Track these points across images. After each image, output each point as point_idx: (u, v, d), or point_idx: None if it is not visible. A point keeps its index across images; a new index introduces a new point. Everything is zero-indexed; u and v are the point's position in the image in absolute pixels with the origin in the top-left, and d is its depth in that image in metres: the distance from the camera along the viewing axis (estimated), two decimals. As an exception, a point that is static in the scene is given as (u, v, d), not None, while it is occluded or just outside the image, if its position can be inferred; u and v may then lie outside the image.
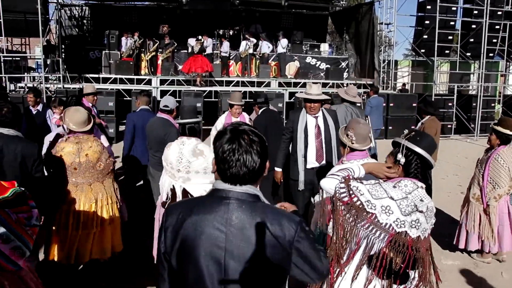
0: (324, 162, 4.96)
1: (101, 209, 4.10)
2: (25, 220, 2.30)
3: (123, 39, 15.26)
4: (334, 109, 5.69)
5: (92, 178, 4.04)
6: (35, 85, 14.19)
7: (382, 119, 11.47)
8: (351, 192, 2.32)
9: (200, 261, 1.63)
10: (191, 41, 15.01)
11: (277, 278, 1.68)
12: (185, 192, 3.86)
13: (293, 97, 13.59)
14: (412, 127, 13.42)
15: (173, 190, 3.91)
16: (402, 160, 2.43)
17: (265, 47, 16.41)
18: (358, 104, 6.55)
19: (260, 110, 6.44)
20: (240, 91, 9.53)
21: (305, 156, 4.96)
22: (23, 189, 2.42)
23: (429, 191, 2.45)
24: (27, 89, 13.67)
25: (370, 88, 12.10)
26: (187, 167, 3.83)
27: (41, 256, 4.31)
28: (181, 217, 1.69)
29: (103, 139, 5.27)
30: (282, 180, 5.27)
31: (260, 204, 1.68)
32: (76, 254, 4.03)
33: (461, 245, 5.21)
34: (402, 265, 2.26)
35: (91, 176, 4.04)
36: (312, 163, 4.96)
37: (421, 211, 2.30)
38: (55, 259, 4.03)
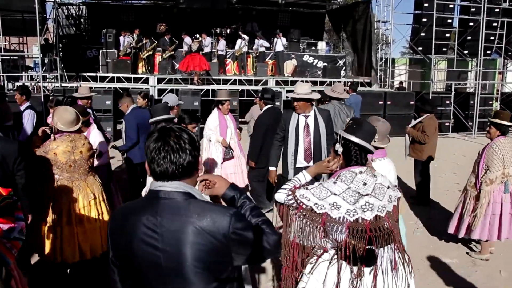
0: (312, 162, 4.96)
1: (100, 203, 4.17)
2: (4, 232, 2.23)
3: (121, 37, 15.23)
4: (323, 108, 5.70)
5: (85, 174, 4.13)
6: (33, 84, 14.19)
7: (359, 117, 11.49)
8: (298, 201, 2.47)
9: (140, 264, 1.66)
10: (187, 40, 14.99)
11: (219, 271, 1.69)
12: None
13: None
14: (409, 125, 13.45)
15: None
16: (340, 150, 2.55)
17: (262, 45, 16.40)
18: (343, 102, 6.55)
19: (265, 107, 6.39)
20: (226, 89, 9.61)
21: (295, 155, 5.01)
22: (15, 198, 2.39)
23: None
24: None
25: (349, 86, 12.16)
26: None
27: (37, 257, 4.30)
28: (121, 221, 1.72)
29: (97, 133, 5.27)
30: (276, 180, 5.29)
31: (191, 201, 1.68)
32: (79, 251, 4.06)
33: (451, 230, 5.30)
34: (364, 248, 2.37)
35: (84, 172, 4.11)
36: (301, 162, 5.01)
37: (367, 194, 2.41)
38: (58, 259, 4.03)
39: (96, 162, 4.85)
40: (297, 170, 5.01)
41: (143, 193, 4.04)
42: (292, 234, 2.53)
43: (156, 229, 1.64)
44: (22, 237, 2.36)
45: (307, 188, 2.50)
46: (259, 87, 14.68)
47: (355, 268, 2.40)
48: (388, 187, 2.51)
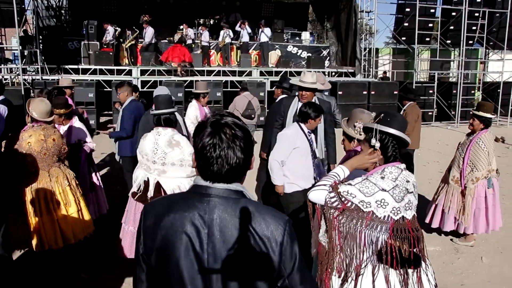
0: None
1: (75, 189, 4.30)
2: None
3: (110, 27, 14.91)
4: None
5: (59, 161, 4.27)
6: (12, 76, 13.91)
7: None
8: (343, 198, 2.29)
9: (180, 263, 1.51)
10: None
11: (265, 280, 1.55)
12: (158, 186, 3.85)
13: (274, 86, 13.61)
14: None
15: (146, 183, 3.90)
16: (377, 145, 2.38)
17: (246, 35, 16.29)
18: (326, 93, 6.55)
19: (281, 96, 6.26)
20: (205, 81, 9.62)
21: None
22: None
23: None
24: (4, 81, 13.40)
25: None
26: (163, 158, 3.83)
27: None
28: (160, 216, 1.56)
29: (79, 124, 5.24)
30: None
31: (243, 201, 1.54)
32: (62, 236, 4.15)
33: (435, 225, 5.35)
34: (410, 250, 2.28)
35: (58, 159, 4.24)
36: None
37: (411, 192, 2.33)
38: (45, 247, 4.10)
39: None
40: None
41: (134, 187, 3.97)
42: (333, 241, 2.36)
43: (204, 229, 1.50)
44: None
45: (350, 184, 2.33)
46: (243, 78, 14.64)
47: (402, 271, 2.30)
48: (416, 184, 2.45)
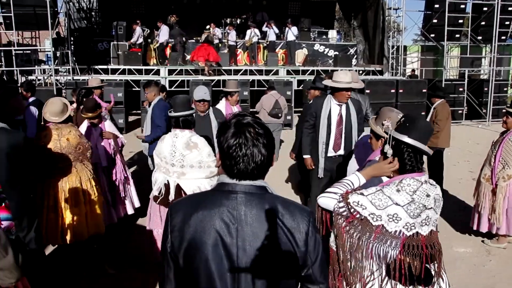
0: (341, 151, 4.97)
1: (87, 188, 4.32)
2: None
3: (138, 28, 15.15)
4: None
5: (75, 162, 4.29)
6: (45, 77, 14.30)
7: None
8: (352, 209, 2.15)
9: (209, 259, 1.55)
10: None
11: (292, 272, 1.62)
12: (178, 188, 3.82)
13: (301, 85, 13.58)
14: (423, 113, 13.33)
15: (166, 186, 3.89)
16: (390, 152, 2.26)
17: (272, 34, 16.30)
18: (367, 91, 6.50)
19: (316, 96, 6.16)
20: (236, 80, 9.60)
21: (326, 144, 4.98)
22: (3, 196, 2.40)
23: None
24: (37, 82, 13.81)
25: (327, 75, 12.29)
26: (181, 160, 3.79)
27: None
28: (187, 215, 1.61)
29: (109, 124, 5.36)
30: (312, 166, 5.19)
31: (268, 196, 1.61)
32: (72, 233, 4.23)
33: (473, 226, 5.25)
34: (422, 268, 2.13)
35: (73, 158, 4.27)
36: (331, 151, 5.00)
37: (430, 208, 2.15)
38: (51, 243, 4.29)
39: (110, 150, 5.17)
40: (328, 159, 5.00)
41: (155, 191, 4.02)
42: (341, 250, 2.23)
43: (233, 224, 1.56)
44: (11, 237, 2.33)
45: (362, 194, 2.18)
46: (270, 77, 14.66)
47: None
48: (441, 198, 2.25)
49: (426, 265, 2.15)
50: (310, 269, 1.64)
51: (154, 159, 4.08)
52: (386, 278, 2.18)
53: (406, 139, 2.20)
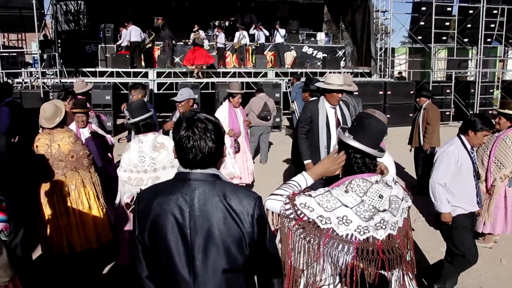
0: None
1: (78, 198, 4.20)
2: None
3: (124, 31, 14.89)
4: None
5: (65, 169, 4.18)
6: (32, 80, 14.17)
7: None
8: (299, 211, 2.04)
9: (167, 238, 1.77)
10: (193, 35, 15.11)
11: (240, 247, 1.79)
12: None
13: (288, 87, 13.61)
14: (410, 114, 13.43)
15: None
16: (335, 150, 2.22)
17: (262, 36, 16.32)
18: (356, 93, 6.52)
19: (311, 99, 6.07)
20: (238, 82, 9.53)
21: (327, 149, 4.93)
22: (1, 198, 2.38)
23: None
24: (24, 84, 13.67)
25: (293, 76, 12.75)
26: (153, 164, 3.74)
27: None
28: (149, 201, 1.83)
29: (95, 127, 5.33)
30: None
31: (219, 182, 1.80)
32: (67, 244, 4.17)
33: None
34: (375, 274, 2.00)
35: (64, 166, 4.17)
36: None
37: (383, 210, 2.04)
38: (46, 251, 4.22)
39: None
40: None
41: (126, 198, 3.90)
42: (287, 254, 2.09)
43: (186, 207, 1.76)
44: (4, 238, 2.33)
45: (310, 195, 2.08)
46: (259, 79, 14.67)
47: None
48: (402, 199, 2.14)
49: (382, 271, 2.03)
50: (259, 248, 1.82)
51: (120, 175, 3.91)
52: (339, 285, 2.07)
53: (351, 142, 2.12)
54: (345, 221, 1.99)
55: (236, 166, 6.23)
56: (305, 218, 2.03)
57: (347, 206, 2.01)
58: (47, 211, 4.13)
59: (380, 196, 2.04)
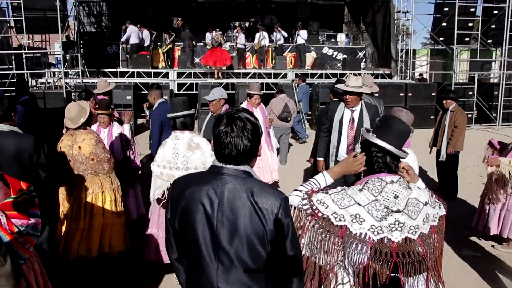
0: None
1: (93, 203, 4.13)
2: (15, 227, 2.23)
3: (130, 27, 14.98)
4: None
5: (85, 171, 4.13)
6: (55, 80, 14.43)
7: (308, 105, 13.09)
8: (314, 207, 2.10)
9: (195, 226, 1.88)
10: (208, 36, 15.08)
11: (261, 241, 1.85)
12: None
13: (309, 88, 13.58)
14: (432, 117, 13.26)
15: (170, 189, 3.85)
16: (358, 150, 2.25)
17: (281, 37, 16.30)
18: (376, 94, 6.45)
19: (333, 100, 6.01)
20: (258, 82, 9.51)
21: (336, 148, 4.97)
22: (34, 194, 2.40)
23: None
24: (47, 85, 13.93)
25: (298, 77, 13.05)
26: (185, 162, 3.76)
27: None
28: (182, 189, 1.95)
29: (117, 126, 5.35)
30: (323, 169, 5.11)
31: (250, 180, 1.88)
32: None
33: (479, 228, 5.20)
34: (387, 276, 2.01)
35: (84, 169, 4.12)
36: (342, 156, 4.93)
37: (397, 211, 2.03)
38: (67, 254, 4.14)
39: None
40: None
41: (157, 194, 3.96)
42: (305, 249, 2.13)
43: (215, 199, 1.85)
44: (36, 233, 2.36)
45: (327, 193, 2.14)
46: (279, 80, 14.66)
47: None
48: (426, 204, 2.10)
49: (395, 274, 2.01)
50: (279, 246, 1.87)
51: (153, 170, 3.95)
52: (352, 285, 2.09)
53: (375, 139, 2.16)
54: (358, 220, 2.04)
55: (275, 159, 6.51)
56: (320, 214, 2.10)
57: (359, 204, 2.05)
58: (61, 213, 4.13)
59: (395, 196, 2.06)
